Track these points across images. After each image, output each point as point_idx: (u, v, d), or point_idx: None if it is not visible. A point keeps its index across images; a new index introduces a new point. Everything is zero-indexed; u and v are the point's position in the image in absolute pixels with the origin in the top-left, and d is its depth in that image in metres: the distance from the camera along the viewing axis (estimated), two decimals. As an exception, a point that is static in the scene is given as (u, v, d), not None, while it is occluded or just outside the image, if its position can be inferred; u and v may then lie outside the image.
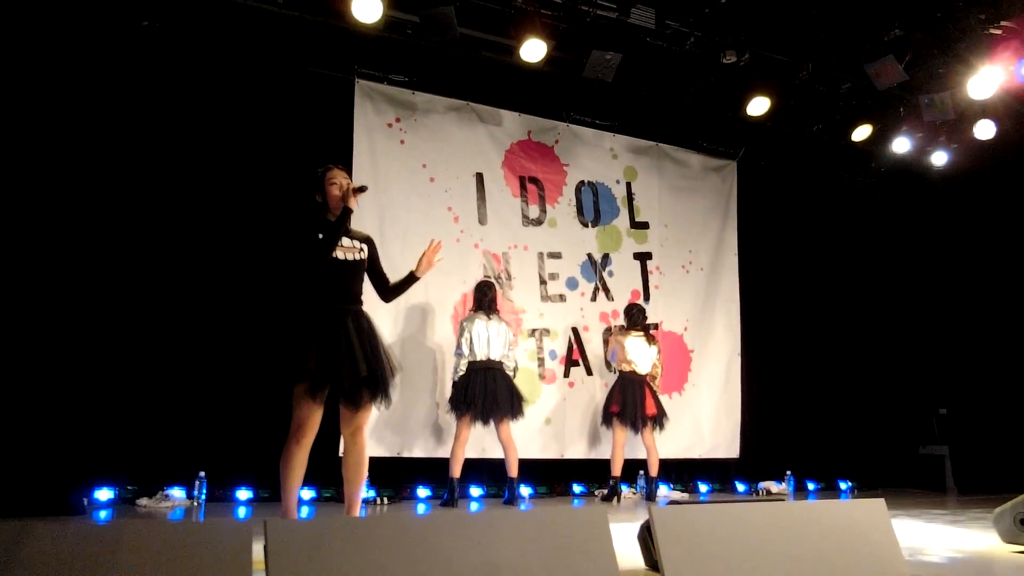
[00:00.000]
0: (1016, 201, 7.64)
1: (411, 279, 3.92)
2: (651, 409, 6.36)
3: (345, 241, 3.64)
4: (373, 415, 5.84)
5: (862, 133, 7.38)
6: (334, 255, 3.58)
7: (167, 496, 5.25)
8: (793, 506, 3.24)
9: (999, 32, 5.79)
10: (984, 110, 7.09)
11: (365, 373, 3.47)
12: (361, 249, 3.72)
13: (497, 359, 5.75)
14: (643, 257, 7.48)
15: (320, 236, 3.56)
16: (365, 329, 3.57)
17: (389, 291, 3.94)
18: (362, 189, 3.70)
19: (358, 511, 3.62)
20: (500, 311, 6.05)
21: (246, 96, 5.97)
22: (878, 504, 3.29)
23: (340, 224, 3.60)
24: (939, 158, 7.73)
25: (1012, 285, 7.29)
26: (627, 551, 3.29)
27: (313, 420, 3.45)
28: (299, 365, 3.40)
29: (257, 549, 2.15)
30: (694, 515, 2.87)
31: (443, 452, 5.96)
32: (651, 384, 6.48)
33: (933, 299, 8.56)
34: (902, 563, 3.16)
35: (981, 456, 7.78)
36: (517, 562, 2.49)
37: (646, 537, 3.10)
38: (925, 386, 8.64)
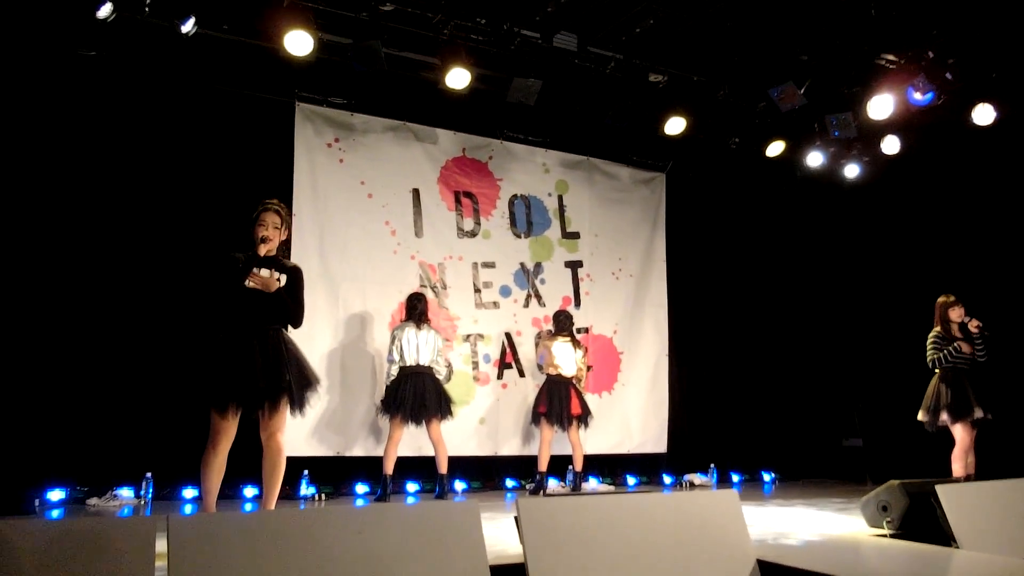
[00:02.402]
0: (923, 208, 8.17)
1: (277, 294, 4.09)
2: (576, 409, 6.80)
3: (264, 272, 4.01)
4: (315, 418, 6.29)
5: (776, 149, 7.84)
6: (245, 283, 3.97)
7: (116, 496, 5.60)
8: (652, 498, 3.69)
9: (883, 63, 6.29)
10: (893, 126, 7.59)
11: (263, 386, 3.87)
12: (279, 279, 4.08)
13: (426, 364, 6.18)
14: (574, 265, 7.93)
15: (240, 266, 3.96)
16: (271, 347, 3.95)
17: (291, 317, 4.17)
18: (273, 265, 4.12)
19: (273, 505, 4.04)
20: (431, 320, 6.45)
21: (189, 121, 6.30)
22: (731, 494, 3.75)
23: (250, 263, 3.99)
24: (851, 171, 8.24)
25: (924, 286, 7.78)
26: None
27: (225, 429, 3.85)
28: (202, 384, 3.84)
29: (162, 544, 2.51)
30: (557, 507, 3.30)
31: (381, 451, 6.29)
32: (576, 385, 6.93)
33: (853, 299, 9.06)
34: (749, 547, 3.63)
35: (892, 447, 8.33)
36: (397, 551, 2.90)
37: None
38: (848, 382, 9.11)
